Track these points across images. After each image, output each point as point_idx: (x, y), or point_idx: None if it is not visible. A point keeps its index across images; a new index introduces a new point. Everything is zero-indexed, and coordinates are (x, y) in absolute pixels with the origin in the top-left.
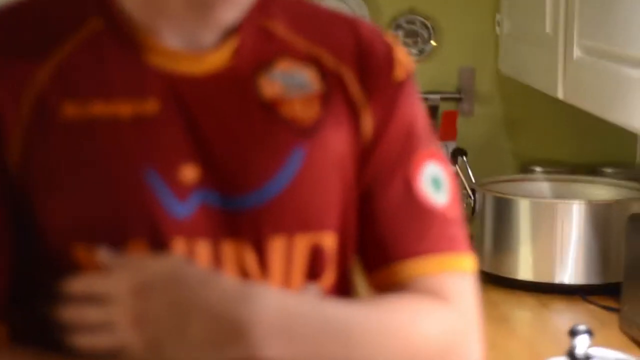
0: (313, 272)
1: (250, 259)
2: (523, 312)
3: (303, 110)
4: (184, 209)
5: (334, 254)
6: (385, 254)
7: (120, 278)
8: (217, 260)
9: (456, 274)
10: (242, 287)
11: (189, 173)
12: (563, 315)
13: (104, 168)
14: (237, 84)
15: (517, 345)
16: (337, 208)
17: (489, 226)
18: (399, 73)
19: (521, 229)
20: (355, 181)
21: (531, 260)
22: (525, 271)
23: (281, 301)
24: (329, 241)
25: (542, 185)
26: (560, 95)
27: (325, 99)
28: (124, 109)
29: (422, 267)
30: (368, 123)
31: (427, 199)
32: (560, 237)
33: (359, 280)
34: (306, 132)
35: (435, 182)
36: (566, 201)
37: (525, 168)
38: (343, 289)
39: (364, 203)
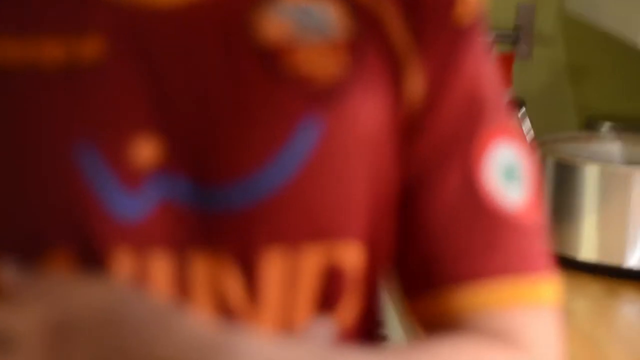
0: (326, 300)
1: (233, 280)
2: (584, 301)
3: (320, 64)
4: (134, 205)
5: (358, 273)
6: (434, 274)
7: (30, 312)
8: (181, 282)
9: (533, 307)
10: (214, 336)
11: (145, 150)
12: (634, 307)
13: (14, 143)
14: (222, 22)
15: (576, 344)
16: (364, 208)
17: (548, 194)
18: (462, 14)
19: (586, 199)
20: (392, 170)
21: (597, 237)
22: (589, 251)
23: (274, 356)
24: (351, 255)
25: (612, 146)
26: None
27: (354, 48)
28: (51, 52)
29: (485, 295)
30: (416, 84)
31: (496, 198)
32: (634, 211)
33: (392, 312)
34: (323, 97)
35: (508, 172)
36: None
37: (591, 123)
38: (369, 326)
39: (406, 201)
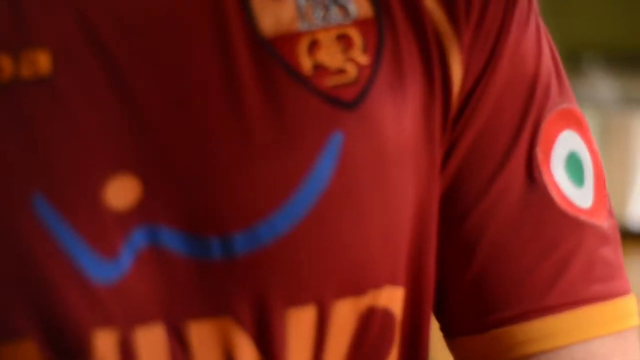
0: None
1: (245, 346)
2: None
3: (337, 58)
4: (112, 267)
5: (400, 325)
6: (492, 307)
7: None
8: (180, 356)
9: (623, 334)
10: None
11: (122, 193)
12: (633, 266)
13: None
14: (210, 9)
15: None
16: (406, 239)
17: None
18: None
19: None
20: (432, 187)
21: None
22: None
23: None
24: (391, 303)
25: (600, 82)
26: None
27: (381, 31)
28: None
29: (565, 327)
30: (456, 70)
31: (566, 200)
32: (636, 161)
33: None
34: (345, 104)
35: (573, 166)
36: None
37: (573, 55)
38: None
39: (451, 209)
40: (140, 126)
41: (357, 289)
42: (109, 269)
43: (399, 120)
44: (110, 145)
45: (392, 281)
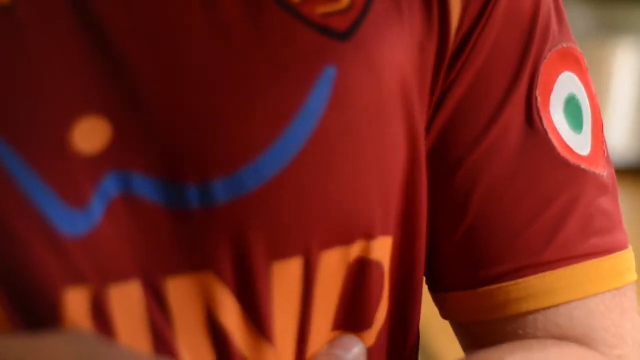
0: (351, 315)
1: (227, 301)
2: None
3: None
4: (82, 218)
5: (389, 277)
6: (485, 262)
7: None
8: (158, 314)
9: (622, 290)
10: None
11: (91, 136)
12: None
13: None
14: None
15: None
16: (397, 185)
17: None
18: None
19: None
20: (423, 119)
21: None
22: None
23: None
24: (381, 251)
25: (574, 9)
26: None
27: None
28: None
29: (562, 284)
30: (459, 5)
31: (566, 146)
32: (617, 94)
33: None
34: (337, 34)
35: (572, 110)
36: (618, 37)
37: None
38: (403, 339)
39: (442, 159)
40: (110, 64)
41: (346, 238)
42: (78, 220)
43: (394, 53)
44: (77, 84)
45: (383, 231)
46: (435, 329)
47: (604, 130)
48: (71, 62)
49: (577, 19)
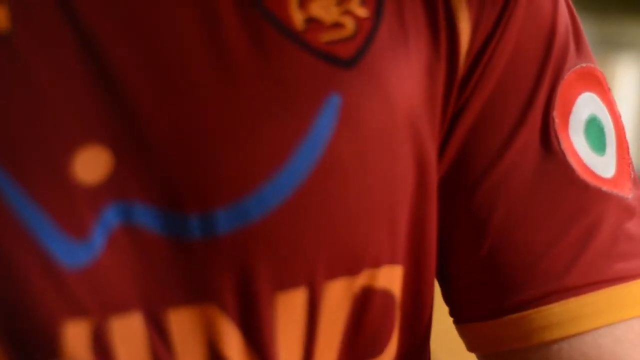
0: (358, 348)
1: (230, 333)
2: None
3: (333, 10)
4: (84, 247)
5: (399, 308)
6: (506, 290)
7: None
8: (160, 347)
9: None
10: None
11: (92, 166)
12: None
13: None
14: None
15: None
16: (407, 209)
17: None
18: None
19: None
20: (434, 145)
21: None
22: None
23: None
24: (391, 281)
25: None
26: None
27: None
28: None
29: (588, 310)
30: (468, 27)
31: (586, 169)
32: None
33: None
34: (342, 62)
35: (594, 131)
36: (619, 53)
37: None
38: None
39: (458, 183)
40: (111, 93)
41: (352, 269)
42: (79, 251)
43: (401, 80)
44: (77, 113)
45: (391, 260)
46: (442, 349)
47: None
48: (72, 90)
49: None
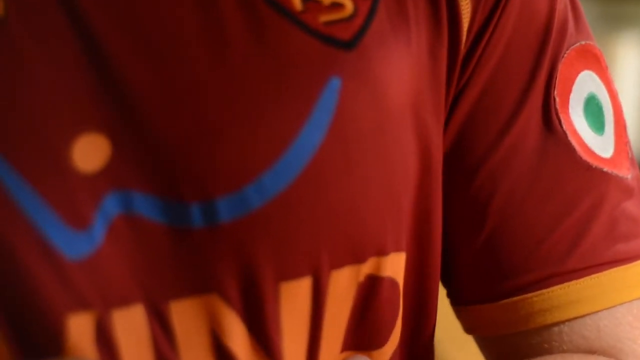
0: (363, 335)
1: (234, 324)
2: None
3: None
4: (84, 237)
5: (403, 295)
6: (507, 273)
7: None
8: (162, 339)
9: None
10: None
11: (91, 154)
12: None
13: None
14: None
15: None
16: (410, 195)
17: None
18: None
19: None
20: (440, 127)
21: None
22: None
23: None
24: (395, 268)
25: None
26: None
27: None
28: None
29: (588, 293)
30: (469, 3)
31: (587, 149)
32: (621, 89)
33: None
34: (341, 43)
35: (593, 110)
36: (621, 32)
37: None
38: (418, 357)
39: (459, 164)
40: (108, 80)
41: (357, 257)
42: (80, 242)
43: (402, 61)
44: (74, 100)
45: (396, 247)
46: (446, 339)
47: None
48: (68, 77)
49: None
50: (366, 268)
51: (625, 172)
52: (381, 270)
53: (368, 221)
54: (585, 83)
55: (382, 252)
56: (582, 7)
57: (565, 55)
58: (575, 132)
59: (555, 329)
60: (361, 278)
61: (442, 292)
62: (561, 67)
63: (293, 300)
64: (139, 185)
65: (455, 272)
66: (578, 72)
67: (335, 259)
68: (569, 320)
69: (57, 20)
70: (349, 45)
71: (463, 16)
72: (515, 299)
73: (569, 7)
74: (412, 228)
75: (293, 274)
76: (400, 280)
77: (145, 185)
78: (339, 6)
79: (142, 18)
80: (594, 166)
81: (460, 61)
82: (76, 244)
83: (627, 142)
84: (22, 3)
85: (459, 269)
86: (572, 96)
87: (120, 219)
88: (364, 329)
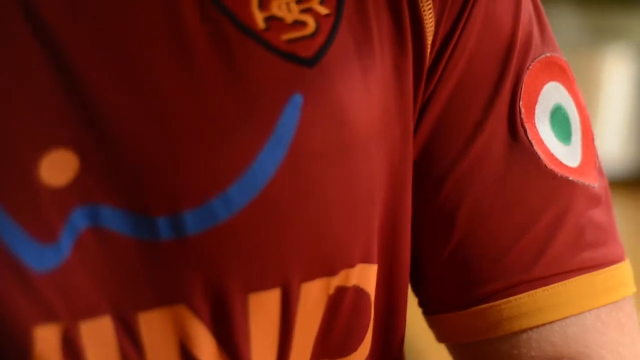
0: (332, 347)
1: (202, 335)
2: None
3: (293, 8)
4: (52, 250)
5: (373, 305)
6: (475, 281)
7: None
8: (130, 349)
9: (618, 304)
10: None
11: (58, 169)
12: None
13: None
14: None
15: None
16: (379, 208)
17: None
18: None
19: None
20: (408, 140)
21: None
22: None
23: None
24: (366, 279)
25: (564, 16)
26: None
27: None
28: None
29: (556, 300)
30: (433, 13)
31: (553, 158)
32: (603, 100)
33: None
34: (303, 61)
35: (559, 120)
36: (609, 44)
37: None
38: None
39: (426, 174)
40: (75, 95)
41: (327, 270)
42: (47, 255)
43: (366, 76)
44: (41, 116)
45: (366, 259)
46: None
47: (596, 140)
48: (36, 93)
49: (566, 25)
50: (337, 280)
51: (592, 181)
52: (351, 281)
53: (336, 235)
54: (551, 94)
55: (352, 264)
56: (569, 19)
57: (531, 66)
58: (541, 142)
59: (524, 335)
60: (332, 290)
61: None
62: (526, 79)
63: (262, 311)
64: (106, 199)
65: (424, 281)
66: (544, 83)
67: (305, 271)
68: (537, 326)
69: (24, 37)
70: (311, 62)
71: (427, 29)
72: (483, 306)
73: (534, 18)
74: (381, 239)
75: (262, 286)
76: (372, 290)
77: (112, 199)
78: (301, 24)
79: (110, 32)
80: (559, 175)
81: (425, 73)
82: (43, 257)
83: (594, 152)
84: (12, 28)
85: (428, 278)
86: (537, 107)
87: (88, 232)
88: (333, 339)
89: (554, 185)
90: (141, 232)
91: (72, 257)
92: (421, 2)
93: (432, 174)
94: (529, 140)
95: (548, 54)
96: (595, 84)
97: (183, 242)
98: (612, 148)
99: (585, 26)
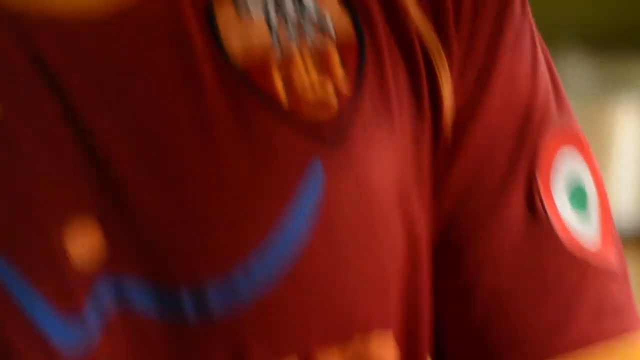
0: None
1: None
2: None
3: (316, 87)
4: (76, 331)
5: None
6: (497, 354)
7: None
8: None
9: None
10: None
11: (81, 240)
12: None
13: None
14: (171, 32)
15: None
16: (395, 284)
17: None
18: None
19: None
20: (424, 224)
21: None
22: None
23: None
24: (383, 346)
25: (577, 66)
26: None
27: (362, 54)
28: None
29: None
30: (447, 94)
31: (571, 236)
32: (614, 151)
33: None
34: (325, 135)
35: (576, 193)
36: (620, 95)
37: (547, 37)
38: None
39: (445, 261)
40: (99, 167)
41: (343, 335)
42: (73, 331)
43: (386, 152)
44: (66, 189)
45: (382, 325)
46: None
47: (610, 189)
48: (59, 165)
49: (576, 75)
50: (353, 345)
51: (611, 259)
52: (368, 348)
53: (354, 304)
54: (569, 165)
55: (367, 330)
56: (579, 69)
57: (548, 137)
58: (558, 217)
59: None
60: (349, 355)
61: None
62: (543, 150)
63: None
64: (129, 269)
65: (447, 354)
66: (561, 154)
67: (322, 338)
68: None
69: (52, 117)
70: (333, 140)
71: (445, 99)
72: None
73: (550, 90)
74: (400, 307)
75: (281, 355)
76: (390, 357)
77: (135, 269)
78: (324, 104)
79: (134, 110)
80: (578, 257)
81: (444, 144)
82: (69, 332)
83: (612, 225)
84: (18, 101)
85: (449, 349)
86: (555, 179)
87: (116, 315)
88: None
89: (571, 265)
90: (167, 311)
91: (102, 343)
92: (439, 74)
93: (455, 245)
94: (547, 214)
95: (565, 125)
96: (607, 136)
97: (209, 326)
98: (623, 202)
99: (596, 76)
